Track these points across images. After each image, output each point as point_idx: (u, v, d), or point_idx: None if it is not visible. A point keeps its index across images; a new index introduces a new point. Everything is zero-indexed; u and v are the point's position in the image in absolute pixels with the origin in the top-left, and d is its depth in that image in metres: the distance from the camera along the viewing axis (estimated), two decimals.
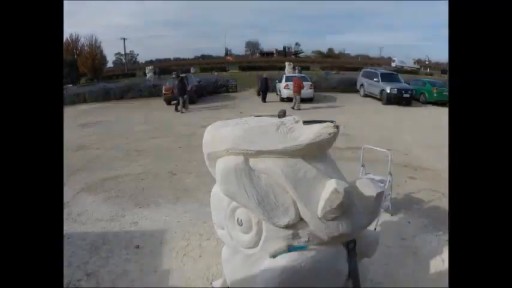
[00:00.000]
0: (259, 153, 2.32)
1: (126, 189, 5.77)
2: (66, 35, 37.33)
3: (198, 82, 18.40)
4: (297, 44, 71.87)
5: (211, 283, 3.20)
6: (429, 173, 6.36)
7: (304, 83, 15.43)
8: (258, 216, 2.25)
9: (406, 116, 12.79)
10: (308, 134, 2.27)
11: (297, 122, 2.45)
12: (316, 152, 2.37)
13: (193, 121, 11.81)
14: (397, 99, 15.36)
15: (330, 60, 56.48)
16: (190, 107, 14.65)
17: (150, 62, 55.23)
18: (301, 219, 2.22)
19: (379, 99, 16.09)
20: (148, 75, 27.10)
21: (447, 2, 1.53)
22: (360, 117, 12.25)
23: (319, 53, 69.61)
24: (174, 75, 19.75)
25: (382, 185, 4.09)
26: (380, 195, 2.51)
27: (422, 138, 9.11)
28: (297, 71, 23.70)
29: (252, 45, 72.93)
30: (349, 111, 13.53)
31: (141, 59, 62.41)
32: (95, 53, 36.46)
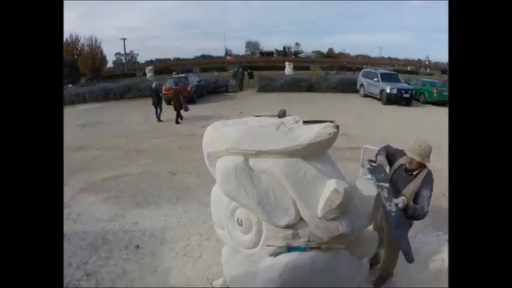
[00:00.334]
0: (259, 153, 2.32)
1: (126, 189, 5.77)
2: (66, 35, 37.44)
3: (198, 82, 18.39)
4: (296, 44, 71.84)
5: (211, 283, 3.20)
6: None
7: None
8: (258, 216, 2.25)
9: (406, 116, 12.79)
10: (308, 134, 2.27)
11: (297, 122, 2.45)
12: (316, 152, 2.37)
13: (193, 121, 11.80)
14: (397, 99, 15.34)
15: (330, 60, 56.42)
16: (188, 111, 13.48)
17: (150, 62, 55.20)
18: (301, 219, 2.23)
19: (379, 99, 16.07)
20: (148, 75, 27.12)
21: (447, 2, 1.53)
22: (360, 117, 12.25)
23: (319, 53, 69.57)
24: (174, 75, 19.74)
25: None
26: (380, 196, 2.52)
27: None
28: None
29: (252, 45, 72.91)
30: (349, 110, 13.54)
31: (141, 59, 62.39)
32: (95, 53, 36.44)
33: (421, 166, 2.75)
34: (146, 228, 4.38)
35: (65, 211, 4.77)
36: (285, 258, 2.18)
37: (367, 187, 2.51)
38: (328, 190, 2.15)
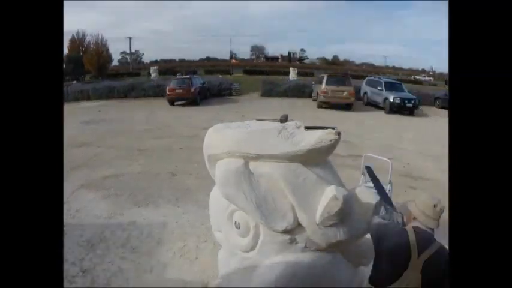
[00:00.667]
0: (259, 157, 2.32)
1: (126, 188, 5.78)
2: (72, 32, 37.67)
3: (202, 84, 18.44)
4: (302, 50, 72.05)
5: (207, 285, 3.19)
6: (429, 183, 6.33)
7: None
8: (255, 220, 2.25)
9: (409, 126, 12.78)
10: (309, 139, 2.28)
11: (298, 127, 2.45)
12: (316, 158, 2.37)
13: (196, 122, 11.83)
14: (400, 109, 15.26)
15: (335, 67, 56.52)
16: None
17: (155, 62, 55.48)
18: (299, 224, 2.22)
19: (382, 108, 16.03)
20: (152, 75, 27.23)
21: (447, 2, 1.53)
22: (361, 124, 12.25)
23: (324, 59, 69.75)
24: (178, 76, 19.81)
25: None
26: (379, 204, 2.51)
27: (424, 149, 9.09)
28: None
29: (257, 50, 73.17)
30: (351, 117, 13.54)
31: (146, 58, 62.70)
32: (101, 51, 36.56)
33: None
34: (144, 227, 4.38)
35: (64, 207, 4.77)
36: (282, 262, 2.18)
37: (367, 195, 2.51)
38: (327, 197, 2.15)
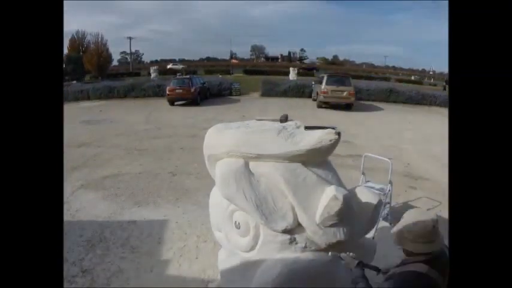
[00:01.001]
0: (259, 157, 2.32)
1: (126, 188, 5.78)
2: (72, 32, 37.68)
3: (202, 84, 18.43)
4: (302, 49, 72.10)
5: (206, 285, 3.19)
6: (429, 183, 6.33)
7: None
8: (255, 220, 2.25)
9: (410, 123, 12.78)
10: (309, 139, 2.27)
11: (298, 127, 2.45)
12: (316, 158, 2.37)
13: (196, 122, 11.83)
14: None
15: (335, 67, 56.56)
16: None
17: (155, 62, 55.54)
18: (299, 224, 2.22)
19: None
20: (152, 75, 27.25)
21: (447, 2, 1.53)
22: (360, 124, 12.26)
23: (324, 59, 69.77)
24: (178, 76, 19.80)
25: (382, 193, 4.08)
26: (379, 204, 2.51)
27: (425, 148, 9.09)
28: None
29: (257, 50, 73.20)
30: (350, 117, 13.56)
31: (146, 58, 62.82)
32: (101, 51, 36.59)
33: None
34: (144, 227, 4.38)
35: (64, 207, 4.77)
36: (282, 262, 2.17)
37: (367, 195, 2.50)
38: (327, 197, 2.15)
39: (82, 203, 5.15)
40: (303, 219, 2.20)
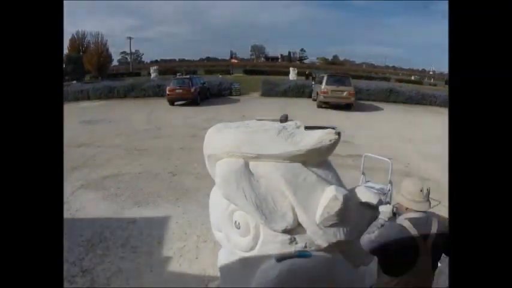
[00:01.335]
0: (259, 157, 2.32)
1: (126, 188, 5.78)
2: (72, 32, 37.69)
3: (202, 84, 18.43)
4: (302, 49, 72.10)
5: (206, 285, 3.19)
6: (429, 183, 6.32)
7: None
8: (255, 220, 2.25)
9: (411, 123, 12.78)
10: (309, 139, 2.27)
11: (298, 127, 2.45)
12: (316, 158, 2.37)
13: (196, 122, 11.83)
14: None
15: (335, 67, 56.54)
16: None
17: (155, 62, 55.57)
18: (299, 224, 2.22)
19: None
20: (152, 75, 27.26)
21: (447, 2, 1.53)
22: (360, 123, 12.26)
23: (324, 59, 69.78)
24: (178, 76, 19.80)
25: (382, 193, 4.07)
26: (379, 204, 2.51)
27: (425, 148, 9.09)
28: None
29: (257, 50, 73.18)
30: (350, 117, 13.56)
31: (146, 58, 62.87)
32: (101, 51, 36.60)
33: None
34: (144, 227, 4.38)
35: (64, 207, 4.77)
36: (282, 262, 2.17)
37: (367, 195, 2.50)
38: (327, 197, 2.15)
39: (82, 203, 5.15)
40: (303, 219, 2.20)
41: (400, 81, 39.93)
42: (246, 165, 2.33)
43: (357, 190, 2.56)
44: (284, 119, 2.71)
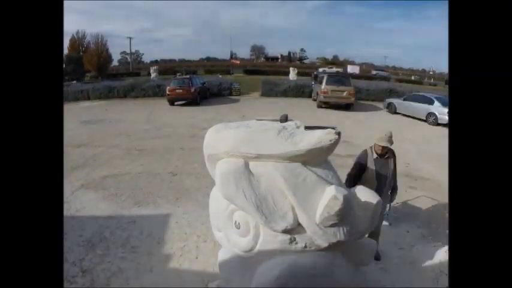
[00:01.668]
0: (259, 157, 2.32)
1: (126, 188, 5.78)
2: (72, 32, 37.69)
3: (202, 84, 18.43)
4: (302, 49, 72.09)
5: (206, 285, 3.19)
6: (429, 183, 6.34)
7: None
8: (255, 219, 2.25)
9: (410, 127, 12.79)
10: (309, 139, 2.27)
11: (298, 127, 2.45)
12: (316, 158, 2.37)
13: (196, 122, 11.83)
14: None
15: (335, 67, 56.48)
16: None
17: (155, 62, 55.57)
18: (299, 224, 2.22)
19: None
20: (152, 75, 27.24)
21: (447, 2, 1.53)
22: (360, 124, 12.25)
23: (324, 59, 69.75)
24: (178, 76, 19.80)
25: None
26: (379, 204, 2.51)
27: (425, 148, 9.09)
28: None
29: (257, 50, 73.16)
30: (350, 117, 13.56)
31: (146, 58, 62.87)
32: (101, 51, 36.60)
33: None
34: (144, 227, 4.38)
35: (64, 207, 4.77)
36: (282, 262, 2.17)
37: (367, 195, 2.50)
38: (327, 197, 2.15)
39: (82, 203, 5.15)
40: (303, 219, 2.19)
41: (400, 81, 39.93)
42: (246, 165, 2.33)
43: (357, 190, 2.56)
44: (284, 119, 2.70)
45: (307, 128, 2.43)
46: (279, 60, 67.87)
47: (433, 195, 5.62)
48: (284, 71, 32.73)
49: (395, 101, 15.53)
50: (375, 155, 3.63)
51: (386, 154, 3.66)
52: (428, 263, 3.68)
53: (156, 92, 19.48)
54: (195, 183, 5.94)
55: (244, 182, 2.26)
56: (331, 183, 2.28)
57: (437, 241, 4.10)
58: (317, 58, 71.25)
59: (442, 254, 3.76)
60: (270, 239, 2.25)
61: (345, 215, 2.17)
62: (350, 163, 6.89)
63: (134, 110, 15.39)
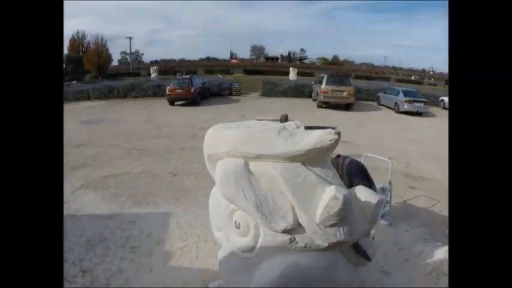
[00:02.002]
0: (259, 157, 2.32)
1: (126, 188, 5.78)
2: (72, 32, 37.69)
3: (202, 84, 18.43)
4: (302, 49, 72.07)
5: (206, 285, 3.18)
6: (429, 183, 6.34)
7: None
8: (255, 220, 2.25)
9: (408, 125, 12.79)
10: (309, 139, 2.27)
11: (298, 127, 2.45)
12: (316, 158, 2.37)
13: (196, 122, 11.84)
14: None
15: (335, 67, 56.48)
16: None
17: (155, 62, 55.57)
18: (299, 224, 2.22)
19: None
20: (152, 75, 27.26)
21: (447, 2, 1.53)
22: (360, 124, 12.25)
23: (324, 59, 69.72)
24: (178, 76, 19.81)
25: (382, 193, 4.08)
26: (379, 203, 2.51)
27: (425, 148, 9.09)
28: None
29: (257, 50, 73.13)
30: (350, 118, 13.56)
31: (146, 58, 62.83)
32: (101, 51, 36.61)
33: None
34: (144, 227, 4.38)
35: (64, 207, 4.77)
36: (282, 262, 2.17)
37: (367, 195, 2.50)
38: (327, 196, 2.15)
39: (82, 203, 5.15)
40: (303, 219, 2.19)
41: (400, 81, 39.95)
42: (246, 165, 2.33)
43: (357, 190, 2.56)
44: (284, 119, 2.71)
45: (307, 128, 2.43)
46: (279, 60, 67.83)
47: (433, 195, 5.62)
48: (284, 71, 32.73)
49: (380, 95, 18.61)
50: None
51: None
52: (428, 263, 3.68)
53: (156, 92, 19.50)
54: (195, 183, 5.94)
55: (244, 182, 2.26)
56: (331, 183, 2.28)
57: (437, 241, 4.10)
58: (317, 58, 71.20)
59: (442, 254, 3.76)
60: (270, 239, 2.25)
61: (345, 215, 2.17)
62: None
63: (134, 110, 15.40)
